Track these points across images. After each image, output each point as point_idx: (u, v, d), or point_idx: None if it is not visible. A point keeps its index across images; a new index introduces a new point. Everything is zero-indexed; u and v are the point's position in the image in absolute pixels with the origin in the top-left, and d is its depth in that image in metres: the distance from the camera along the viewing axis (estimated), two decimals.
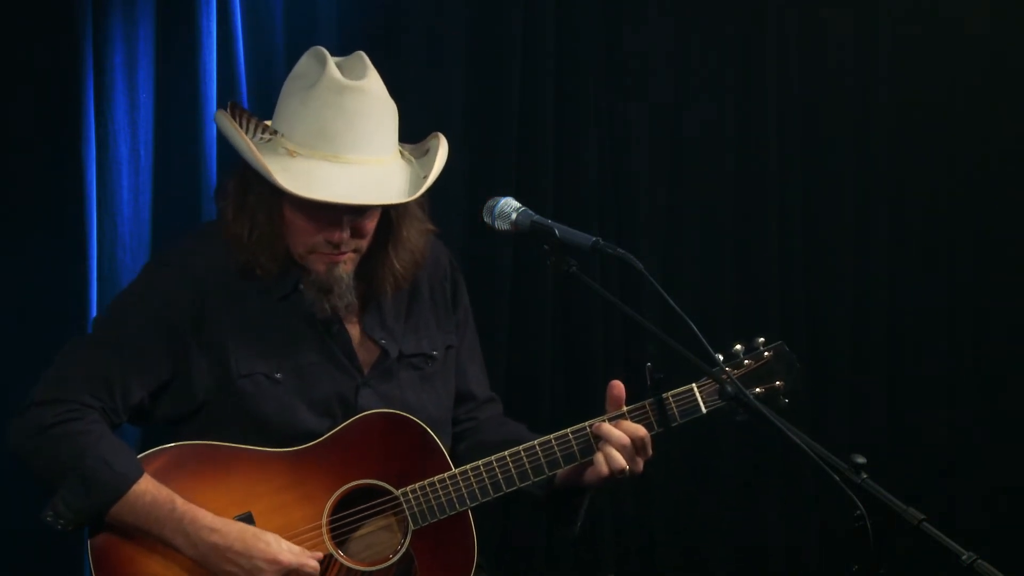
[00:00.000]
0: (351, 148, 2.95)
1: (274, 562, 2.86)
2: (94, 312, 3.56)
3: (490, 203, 3.03)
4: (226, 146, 3.77)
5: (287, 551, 2.88)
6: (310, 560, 2.89)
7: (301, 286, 3.03)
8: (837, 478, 2.56)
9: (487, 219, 3.03)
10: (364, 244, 3.05)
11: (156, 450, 2.94)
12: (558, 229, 2.91)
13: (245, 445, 2.95)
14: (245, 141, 2.96)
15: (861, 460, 2.57)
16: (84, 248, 3.56)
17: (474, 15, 4.24)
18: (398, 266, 3.09)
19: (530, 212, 2.99)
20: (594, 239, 2.88)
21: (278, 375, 3.01)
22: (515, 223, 2.98)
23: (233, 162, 3.09)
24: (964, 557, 2.44)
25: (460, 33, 4.21)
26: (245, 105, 3.80)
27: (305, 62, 3.05)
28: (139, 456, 2.92)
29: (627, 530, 4.49)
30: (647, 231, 4.50)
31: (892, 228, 4.80)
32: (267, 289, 3.03)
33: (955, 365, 4.85)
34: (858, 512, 2.49)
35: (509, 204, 3.01)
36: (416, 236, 3.11)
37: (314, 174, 2.93)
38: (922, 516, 2.49)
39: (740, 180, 4.63)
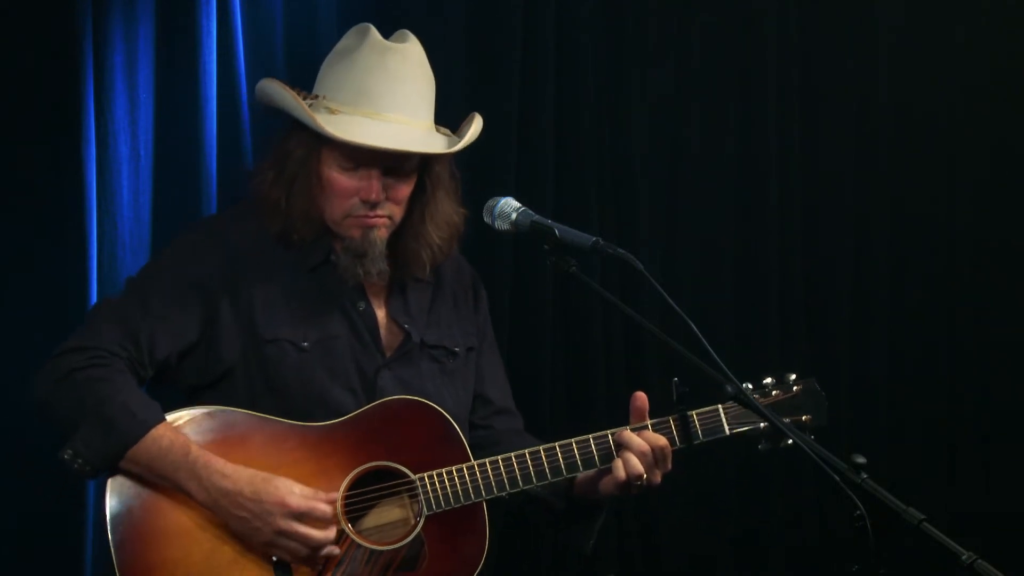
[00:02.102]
0: (391, 107, 3.04)
1: (282, 504, 2.85)
2: None
3: (490, 203, 3.04)
4: (226, 145, 3.80)
5: (298, 494, 2.87)
6: (320, 504, 2.88)
7: (332, 257, 3.08)
8: (837, 478, 2.56)
9: (487, 219, 3.04)
10: (398, 212, 3.10)
11: (179, 412, 2.95)
12: (558, 229, 2.92)
13: (267, 415, 2.97)
14: (292, 95, 3.03)
15: (861, 460, 2.57)
16: (84, 248, 3.56)
17: (473, 16, 4.24)
18: (435, 237, 3.14)
19: (530, 212, 2.99)
20: (594, 239, 2.89)
21: (305, 344, 3.04)
22: (515, 223, 2.99)
23: (259, 144, 3.20)
24: (964, 557, 2.44)
25: (460, 34, 4.21)
26: (245, 105, 3.81)
27: (348, 37, 3.15)
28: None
29: (628, 530, 4.49)
30: (647, 231, 4.50)
31: (893, 227, 4.80)
32: (297, 260, 3.08)
33: (955, 365, 4.86)
34: (858, 512, 2.50)
35: (509, 204, 3.02)
36: (450, 210, 3.17)
37: (355, 127, 3.00)
38: (922, 516, 2.49)
39: (740, 180, 4.63)
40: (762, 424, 3.11)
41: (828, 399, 4.65)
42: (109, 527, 2.85)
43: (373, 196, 3.04)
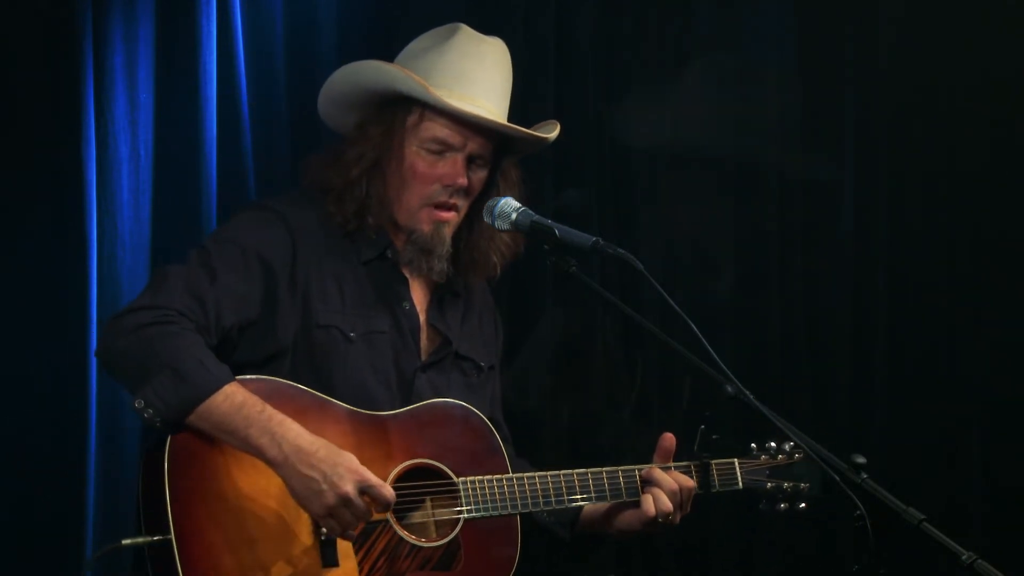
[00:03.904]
0: (483, 94, 3.10)
1: (356, 472, 2.82)
2: (94, 312, 3.57)
3: (490, 203, 3.05)
4: (226, 145, 3.79)
5: (367, 471, 2.85)
6: (388, 488, 2.87)
7: (388, 252, 3.12)
8: (837, 478, 2.56)
9: (487, 219, 3.05)
10: (465, 207, 3.13)
11: (246, 377, 2.93)
12: (558, 229, 2.92)
13: (324, 395, 2.98)
14: (396, 68, 3.08)
15: (861, 460, 2.58)
16: (84, 248, 3.57)
17: (474, 17, 4.23)
18: (506, 236, 3.17)
19: (530, 212, 3.00)
20: (594, 239, 2.89)
21: (352, 334, 3.06)
22: (515, 223, 3.00)
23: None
24: (964, 557, 2.44)
25: None
26: (245, 105, 3.81)
27: (434, 34, 3.20)
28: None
29: None
30: (647, 231, 4.50)
31: (892, 227, 4.80)
32: (353, 251, 3.11)
33: (956, 365, 4.85)
34: (858, 512, 2.50)
35: (509, 204, 3.02)
36: None
37: (453, 104, 3.05)
38: (922, 516, 2.49)
39: (740, 180, 4.63)
40: (768, 484, 3.26)
41: (828, 396, 4.68)
42: (167, 482, 2.81)
43: (460, 180, 3.08)
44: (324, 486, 2.81)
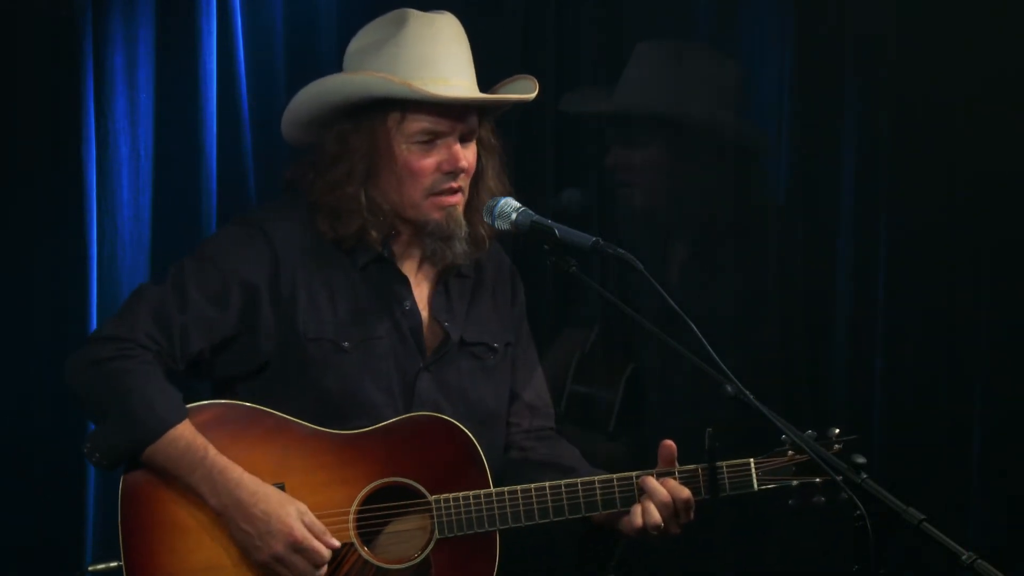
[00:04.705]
0: (453, 72, 3.06)
1: (288, 534, 2.86)
2: (94, 312, 3.57)
3: (490, 203, 3.05)
4: (226, 145, 3.80)
5: (302, 529, 2.87)
6: (322, 548, 2.88)
7: (385, 253, 3.08)
8: (837, 478, 2.56)
9: (487, 219, 3.05)
10: (468, 183, 3.10)
11: (205, 403, 2.95)
12: (558, 229, 2.92)
13: (295, 418, 2.96)
14: (366, 73, 3.03)
15: (861, 460, 2.58)
16: (84, 248, 3.57)
17: (474, 17, 4.23)
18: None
19: (530, 212, 3.00)
20: (594, 239, 2.88)
21: (345, 344, 3.04)
22: (515, 223, 2.99)
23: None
24: (964, 557, 2.44)
25: None
26: (245, 105, 3.81)
27: (381, 26, 3.11)
28: (187, 406, 2.93)
29: None
30: (646, 231, 4.49)
31: (891, 227, 4.79)
32: (347, 258, 3.08)
33: (956, 365, 4.84)
34: (858, 512, 2.50)
35: (509, 204, 3.02)
36: (501, 175, 3.18)
37: (435, 92, 3.01)
38: (922, 516, 2.49)
39: (739, 180, 4.63)
40: (794, 482, 3.08)
41: (828, 396, 4.67)
42: (120, 515, 2.86)
43: (460, 163, 3.04)
44: (257, 542, 2.86)
